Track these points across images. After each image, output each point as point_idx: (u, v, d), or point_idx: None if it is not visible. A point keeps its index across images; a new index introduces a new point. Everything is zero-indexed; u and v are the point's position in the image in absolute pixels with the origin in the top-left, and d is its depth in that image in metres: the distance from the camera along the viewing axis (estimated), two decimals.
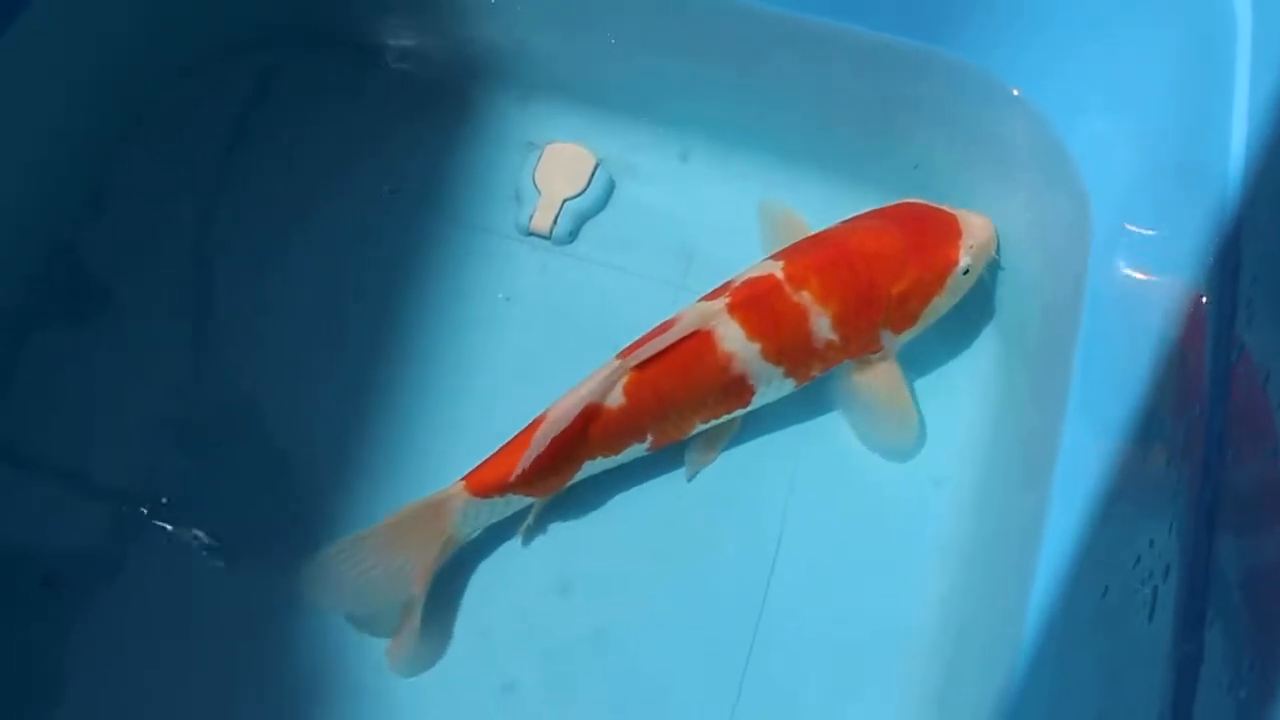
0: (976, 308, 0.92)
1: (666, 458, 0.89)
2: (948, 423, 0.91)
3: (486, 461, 0.83)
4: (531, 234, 0.98)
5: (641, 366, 0.81)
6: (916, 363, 0.90)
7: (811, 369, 0.87)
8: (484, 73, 1.02)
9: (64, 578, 0.85)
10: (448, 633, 0.85)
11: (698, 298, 0.88)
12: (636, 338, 0.85)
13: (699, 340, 0.82)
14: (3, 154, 0.87)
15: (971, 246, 0.86)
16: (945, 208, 0.88)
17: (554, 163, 0.99)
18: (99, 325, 0.94)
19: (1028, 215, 0.91)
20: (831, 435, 0.91)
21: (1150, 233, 0.82)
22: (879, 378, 0.88)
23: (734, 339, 0.82)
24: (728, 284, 0.85)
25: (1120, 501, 0.71)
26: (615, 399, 0.82)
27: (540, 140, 1.00)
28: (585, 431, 0.82)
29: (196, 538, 0.86)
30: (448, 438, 0.90)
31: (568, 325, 0.95)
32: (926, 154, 0.95)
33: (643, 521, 0.89)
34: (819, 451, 0.91)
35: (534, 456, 0.80)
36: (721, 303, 0.82)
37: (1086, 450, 0.78)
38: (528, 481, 0.83)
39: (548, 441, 0.80)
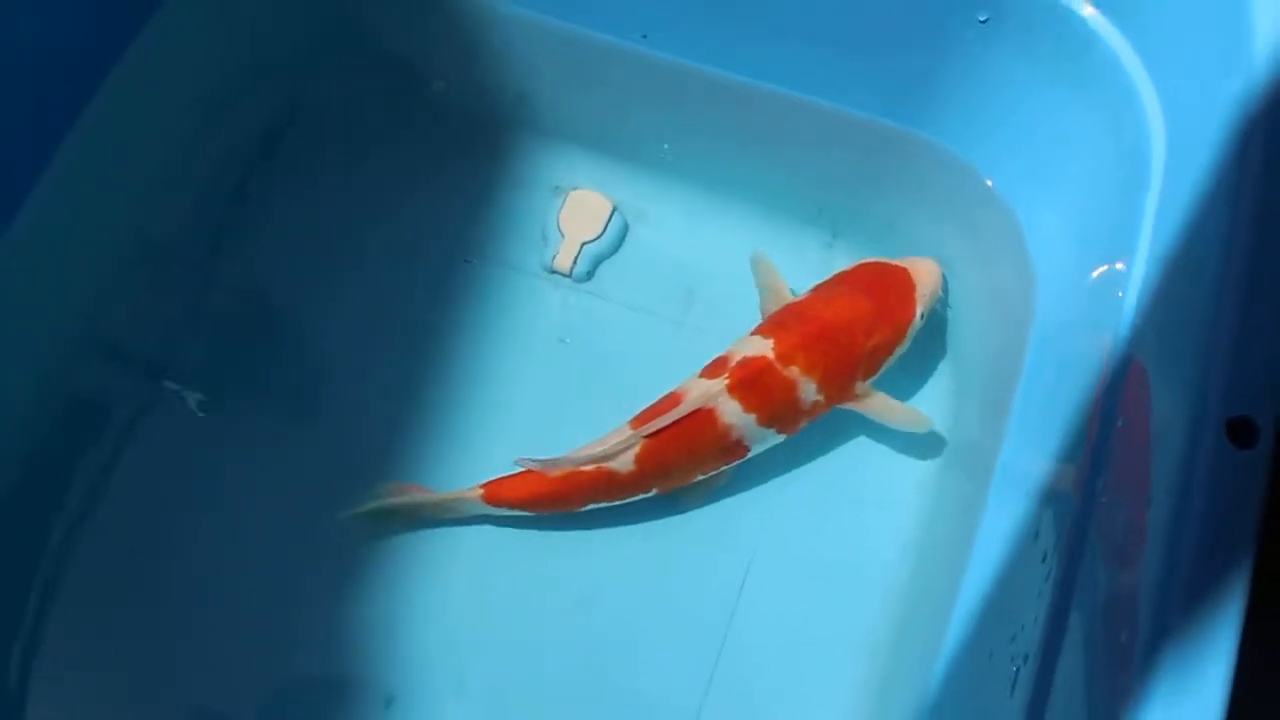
0: (931, 356, 1.05)
1: None
2: (900, 472, 1.05)
3: (504, 480, 1.00)
4: (554, 272, 1.12)
5: (650, 437, 0.95)
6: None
7: (799, 424, 1.00)
8: (515, 121, 1.16)
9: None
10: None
11: (699, 357, 1.01)
12: (646, 398, 1.00)
13: (702, 415, 0.95)
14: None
15: (924, 296, 1.00)
16: (897, 262, 1.02)
17: (576, 208, 1.13)
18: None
19: (985, 284, 1.03)
20: (804, 464, 1.06)
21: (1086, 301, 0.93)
22: (869, 406, 1.01)
23: (733, 413, 0.96)
24: (724, 359, 0.98)
25: (1018, 573, 0.85)
26: (625, 464, 0.96)
27: (566, 184, 1.14)
28: (594, 484, 0.98)
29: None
30: (460, 436, 1.07)
31: (584, 355, 1.10)
32: (902, 219, 1.08)
33: (627, 537, 1.04)
34: (793, 475, 1.06)
35: (539, 482, 0.98)
36: (722, 384, 0.95)
37: (1006, 511, 0.90)
38: (533, 507, 1.00)
39: (550, 474, 0.96)
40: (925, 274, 1.01)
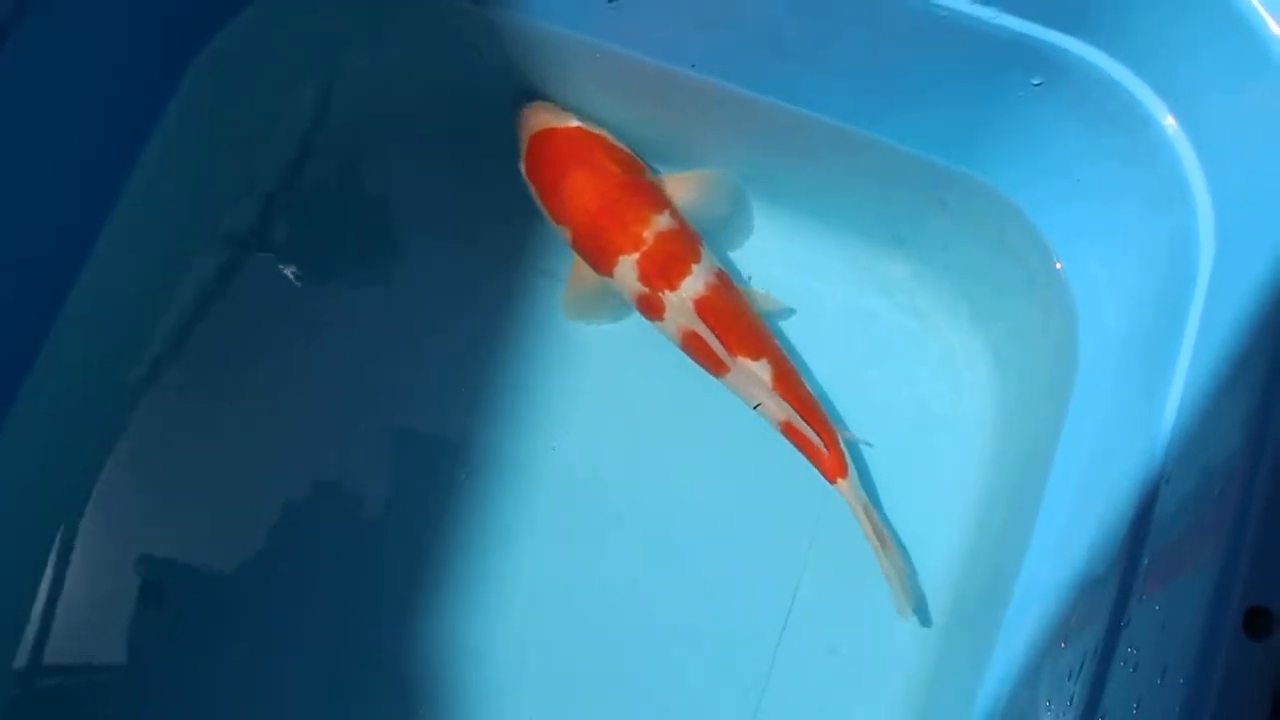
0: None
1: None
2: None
3: (825, 461, 1.02)
4: None
5: (736, 352, 1.01)
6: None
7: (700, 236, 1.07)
8: None
9: None
10: None
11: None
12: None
13: (703, 300, 1.01)
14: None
15: (566, 114, 1.08)
16: (536, 127, 1.08)
17: None
18: None
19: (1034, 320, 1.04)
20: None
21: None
22: (681, 193, 1.08)
23: (700, 275, 1.02)
24: (646, 298, 1.03)
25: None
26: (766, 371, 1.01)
27: None
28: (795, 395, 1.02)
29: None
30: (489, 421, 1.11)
31: (614, 376, 1.13)
32: (955, 242, 1.08)
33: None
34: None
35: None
36: (683, 294, 1.01)
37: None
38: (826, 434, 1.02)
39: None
40: (549, 109, 1.09)
